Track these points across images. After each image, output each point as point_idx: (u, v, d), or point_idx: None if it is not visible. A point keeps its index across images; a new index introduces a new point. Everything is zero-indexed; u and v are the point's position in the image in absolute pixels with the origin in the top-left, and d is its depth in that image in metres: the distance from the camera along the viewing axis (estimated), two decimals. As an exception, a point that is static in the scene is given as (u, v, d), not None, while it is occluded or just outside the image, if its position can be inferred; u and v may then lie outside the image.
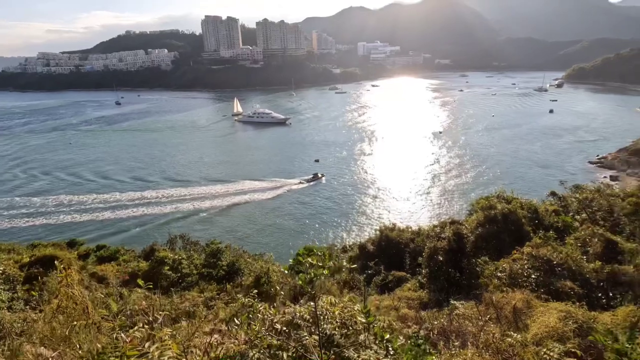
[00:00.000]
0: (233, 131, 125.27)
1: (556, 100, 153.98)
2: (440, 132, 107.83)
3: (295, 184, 68.98)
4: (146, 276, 15.84)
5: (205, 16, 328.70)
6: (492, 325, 6.05)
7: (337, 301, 2.87)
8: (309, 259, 2.67)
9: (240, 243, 40.94)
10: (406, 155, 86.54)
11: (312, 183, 69.10)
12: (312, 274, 2.43)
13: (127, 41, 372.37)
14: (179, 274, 16.68)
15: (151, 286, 3.80)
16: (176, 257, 17.58)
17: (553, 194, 20.58)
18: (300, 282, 2.50)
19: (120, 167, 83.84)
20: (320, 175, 71.95)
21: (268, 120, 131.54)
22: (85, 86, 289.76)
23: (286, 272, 11.34)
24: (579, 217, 16.02)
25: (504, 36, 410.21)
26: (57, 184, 73.26)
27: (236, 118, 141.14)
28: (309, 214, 56.93)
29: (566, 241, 9.90)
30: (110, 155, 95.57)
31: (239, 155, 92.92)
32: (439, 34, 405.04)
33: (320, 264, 2.56)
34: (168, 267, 16.51)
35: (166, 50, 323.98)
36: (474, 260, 12.11)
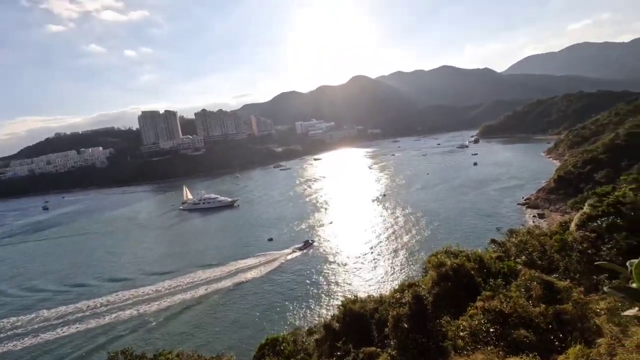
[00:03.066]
0: (178, 221, 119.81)
1: (477, 154, 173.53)
2: (384, 195, 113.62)
3: (289, 253, 70.15)
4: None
5: (143, 112, 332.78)
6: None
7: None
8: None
9: (198, 344, 36.58)
10: (356, 221, 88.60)
11: (304, 250, 71.12)
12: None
13: (57, 143, 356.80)
14: (123, 401, 14.25)
15: None
16: (118, 380, 15.19)
17: (493, 241, 22.09)
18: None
19: (47, 279, 73.94)
20: (310, 242, 74.65)
21: (215, 205, 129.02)
22: (6, 195, 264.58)
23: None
24: (519, 260, 17.23)
25: (421, 105, 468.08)
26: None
27: (181, 207, 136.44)
28: (267, 296, 53.64)
29: (510, 288, 10.54)
30: (34, 267, 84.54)
31: (187, 244, 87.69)
32: (366, 108, 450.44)
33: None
34: (108, 396, 14.10)
35: (101, 148, 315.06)
36: (437, 321, 12.17)
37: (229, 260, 69.72)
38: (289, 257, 69.12)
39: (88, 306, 56.64)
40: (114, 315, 52.57)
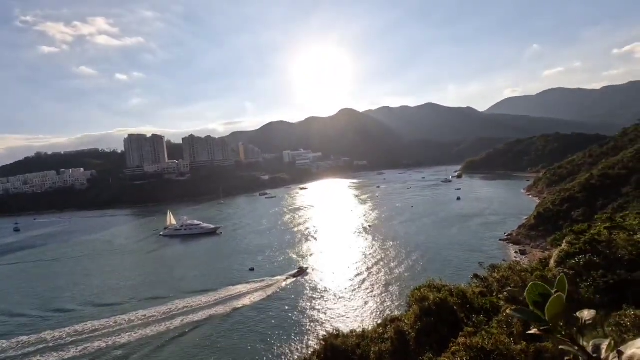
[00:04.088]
0: (158, 247, 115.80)
1: (460, 189, 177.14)
2: (370, 226, 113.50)
3: (283, 280, 70.72)
4: None
5: (129, 135, 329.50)
6: None
7: None
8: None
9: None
10: (341, 252, 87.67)
11: (299, 277, 71.95)
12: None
13: (37, 163, 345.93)
14: None
15: None
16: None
17: (476, 276, 22.16)
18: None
19: (8, 306, 69.22)
20: (305, 268, 76.04)
21: (197, 231, 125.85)
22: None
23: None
24: (501, 295, 17.27)
25: (407, 139, 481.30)
26: None
27: (162, 233, 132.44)
28: (247, 327, 51.46)
29: (492, 325, 10.51)
30: (-2, 293, 79.31)
31: (164, 272, 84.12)
32: (353, 140, 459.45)
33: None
34: None
35: (82, 169, 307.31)
36: (420, 358, 11.91)
37: (209, 290, 67.17)
38: (273, 287, 67.16)
39: (53, 337, 52.94)
40: (80, 348, 49.15)
